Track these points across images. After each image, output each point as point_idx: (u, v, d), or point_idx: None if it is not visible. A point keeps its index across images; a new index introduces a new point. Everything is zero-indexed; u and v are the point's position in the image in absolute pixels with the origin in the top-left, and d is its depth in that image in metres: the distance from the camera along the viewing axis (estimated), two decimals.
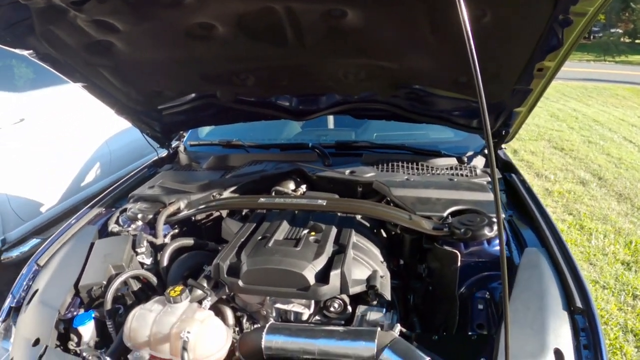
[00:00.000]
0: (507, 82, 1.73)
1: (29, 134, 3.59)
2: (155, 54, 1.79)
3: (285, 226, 1.67)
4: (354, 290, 1.43)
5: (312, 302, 1.47)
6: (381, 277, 1.50)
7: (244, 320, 1.55)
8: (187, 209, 1.90)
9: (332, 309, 1.46)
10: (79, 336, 1.47)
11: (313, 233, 1.61)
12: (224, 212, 2.04)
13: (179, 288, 1.38)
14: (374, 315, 1.43)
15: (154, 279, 1.67)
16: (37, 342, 1.40)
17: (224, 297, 1.56)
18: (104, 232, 1.94)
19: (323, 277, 1.40)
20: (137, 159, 4.58)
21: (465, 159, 2.24)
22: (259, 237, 1.59)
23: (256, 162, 2.26)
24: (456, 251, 1.56)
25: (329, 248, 1.50)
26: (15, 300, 1.66)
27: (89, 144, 4.22)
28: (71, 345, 1.47)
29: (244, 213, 2.04)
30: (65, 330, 1.50)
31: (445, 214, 1.70)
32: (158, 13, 1.50)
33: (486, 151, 2.43)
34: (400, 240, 1.79)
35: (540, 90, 1.78)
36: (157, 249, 1.80)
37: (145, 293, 1.66)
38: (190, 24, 1.53)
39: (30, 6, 1.43)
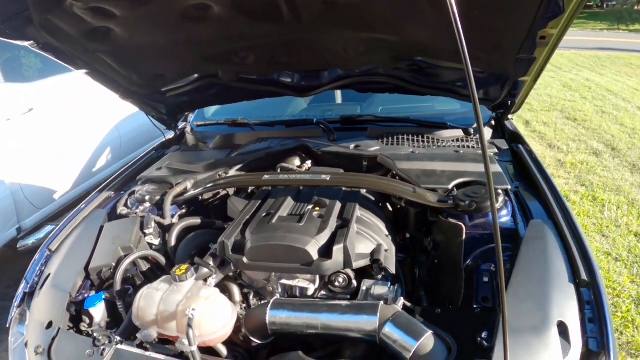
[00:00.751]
0: (510, 51, 1.69)
1: (38, 123, 3.63)
2: (154, 37, 1.79)
3: (289, 202, 1.67)
4: (358, 264, 1.44)
5: (317, 277, 1.48)
6: (385, 251, 1.50)
7: (251, 297, 1.57)
8: (194, 189, 1.92)
9: (336, 283, 1.47)
10: (91, 317, 1.51)
11: (317, 208, 1.62)
12: (231, 191, 2.05)
13: (184, 267, 1.40)
14: (378, 290, 1.44)
15: (162, 259, 1.70)
16: (50, 325, 1.44)
17: (230, 274, 1.58)
18: (113, 215, 1.96)
19: (326, 252, 1.41)
20: (147, 141, 4.60)
21: (472, 131, 2.21)
22: (264, 214, 1.60)
23: (262, 140, 2.27)
24: (461, 224, 1.55)
25: (333, 223, 1.50)
26: (29, 286, 1.70)
27: (99, 129, 4.25)
28: (83, 326, 1.51)
29: (249, 191, 2.05)
30: (77, 312, 1.54)
31: (450, 186, 1.69)
32: None
33: (493, 122, 2.41)
34: (405, 213, 1.79)
35: (544, 59, 1.73)
36: (165, 230, 1.83)
37: (155, 273, 1.69)
38: (185, 5, 1.52)
39: None
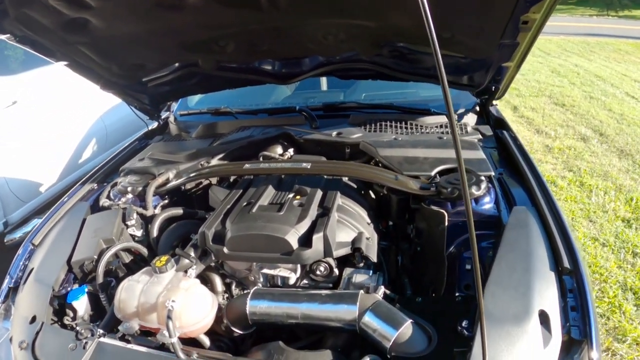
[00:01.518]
0: (493, 36, 1.68)
1: (22, 116, 3.58)
2: (131, 27, 1.76)
3: (270, 191, 1.67)
4: (338, 253, 1.44)
5: (298, 266, 1.48)
6: (367, 239, 1.50)
7: (233, 287, 1.57)
8: (176, 179, 1.91)
9: (318, 272, 1.47)
10: (74, 311, 1.50)
11: (298, 197, 1.61)
12: (213, 180, 2.04)
13: (164, 258, 1.39)
14: (359, 278, 1.44)
15: (144, 251, 1.69)
16: (33, 319, 1.43)
17: (212, 264, 1.57)
18: (95, 208, 1.95)
19: (306, 241, 1.41)
20: (133, 132, 4.52)
21: (456, 117, 2.21)
22: (244, 204, 1.59)
23: (244, 129, 2.25)
24: (443, 211, 1.55)
25: (313, 212, 1.50)
26: (12, 281, 1.68)
27: (84, 121, 4.20)
28: (67, 320, 1.49)
29: (231, 180, 2.04)
30: (60, 306, 1.53)
31: (433, 173, 1.69)
32: None
33: (478, 108, 2.40)
34: (387, 201, 1.79)
35: (527, 44, 1.73)
36: (147, 221, 1.82)
37: (137, 264, 1.68)
38: None
39: None
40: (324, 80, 2.83)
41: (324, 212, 1.51)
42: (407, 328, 1.17)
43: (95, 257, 1.58)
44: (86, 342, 1.30)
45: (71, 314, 1.51)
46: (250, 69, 2.15)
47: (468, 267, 1.49)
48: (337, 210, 1.55)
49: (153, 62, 2.09)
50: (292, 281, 1.51)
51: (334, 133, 2.06)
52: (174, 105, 2.84)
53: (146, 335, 1.38)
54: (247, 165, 1.80)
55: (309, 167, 1.71)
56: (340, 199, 1.62)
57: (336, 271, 1.48)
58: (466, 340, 1.14)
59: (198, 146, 2.17)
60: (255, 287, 1.43)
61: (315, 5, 1.56)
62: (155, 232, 1.72)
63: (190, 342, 1.35)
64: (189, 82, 2.25)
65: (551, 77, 7.84)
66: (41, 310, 1.47)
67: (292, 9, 1.56)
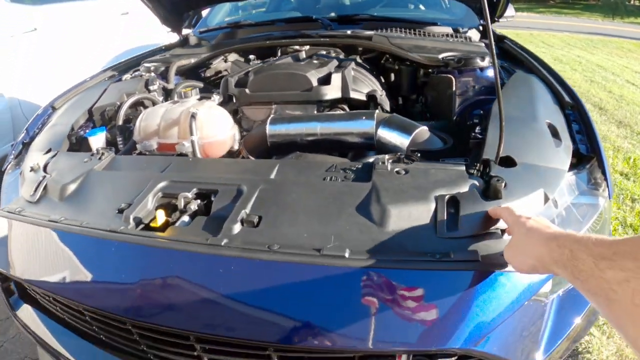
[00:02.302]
0: None
1: (41, 43, 3.64)
2: None
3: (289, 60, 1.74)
4: (354, 95, 1.50)
5: (315, 111, 1.54)
6: (380, 95, 1.57)
7: None
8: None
9: None
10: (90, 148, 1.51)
11: (316, 60, 1.69)
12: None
13: (189, 87, 1.46)
14: None
15: None
16: (48, 151, 1.44)
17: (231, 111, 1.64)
18: None
19: (325, 80, 1.48)
20: None
21: (461, 29, 2.29)
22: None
23: (263, 31, 2.33)
24: (450, 76, 1.63)
25: (332, 65, 1.57)
26: (29, 136, 1.71)
27: (101, 57, 4.26)
28: None
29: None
30: (77, 141, 1.56)
31: (440, 57, 1.76)
32: None
33: (481, 28, 2.48)
34: (399, 76, 1.86)
35: None
36: (168, 94, 1.88)
37: None
38: None
39: None
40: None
41: (342, 65, 1.58)
42: (421, 132, 1.24)
43: (118, 103, 1.64)
44: (102, 155, 1.29)
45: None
46: None
47: (475, 121, 1.56)
48: (353, 71, 1.62)
49: None
50: None
51: (348, 32, 2.13)
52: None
53: None
54: (269, 42, 1.87)
55: (328, 40, 1.78)
56: (353, 71, 1.69)
57: None
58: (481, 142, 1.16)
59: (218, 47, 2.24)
60: (273, 115, 1.48)
61: None
62: (172, 79, 1.78)
63: None
64: None
65: (553, 64, 7.92)
66: (57, 144, 1.48)
67: None
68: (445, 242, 0.84)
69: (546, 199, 0.98)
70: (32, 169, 1.32)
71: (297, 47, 2.10)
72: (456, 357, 0.85)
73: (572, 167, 1.16)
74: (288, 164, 1.10)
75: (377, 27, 2.24)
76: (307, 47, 2.11)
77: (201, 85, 1.77)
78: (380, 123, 1.29)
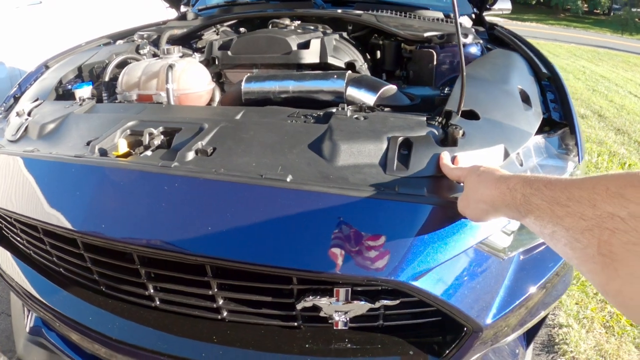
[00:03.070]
0: None
1: (46, 15, 3.70)
2: None
3: None
4: (333, 61, 1.53)
5: None
6: (360, 65, 1.60)
7: None
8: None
9: None
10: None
11: (300, 30, 1.72)
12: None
13: (174, 47, 1.49)
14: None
15: None
16: (36, 100, 1.49)
17: (214, 74, 1.67)
18: None
19: (305, 45, 1.51)
20: None
21: (452, 15, 2.31)
22: None
23: (256, 7, 2.37)
24: (432, 50, 1.66)
25: (314, 34, 1.60)
26: (20, 91, 1.77)
27: (104, 32, 4.31)
28: None
29: None
30: (64, 93, 1.61)
31: (424, 35, 1.79)
32: None
33: (474, 16, 2.51)
34: (382, 51, 1.89)
35: None
36: None
37: None
38: None
39: None
40: None
41: (325, 34, 1.61)
42: (388, 90, 1.26)
43: (107, 61, 1.68)
44: (84, 102, 1.34)
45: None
46: None
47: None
48: (336, 41, 1.65)
49: None
50: None
51: (339, 11, 2.17)
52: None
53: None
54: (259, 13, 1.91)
55: (317, 13, 1.83)
56: (336, 42, 1.72)
57: None
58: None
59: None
60: (249, 74, 1.51)
61: None
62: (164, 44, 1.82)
63: None
64: None
65: None
66: (44, 95, 1.54)
67: None
68: (393, 179, 0.86)
69: (506, 154, 0.99)
70: (17, 114, 1.39)
71: (287, 22, 2.14)
72: (398, 301, 0.85)
73: (544, 132, 1.16)
74: (254, 109, 1.13)
75: (369, 8, 2.28)
76: (298, 22, 2.15)
77: (190, 52, 1.81)
78: (350, 82, 1.31)
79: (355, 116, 1.02)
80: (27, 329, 1.40)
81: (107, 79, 1.61)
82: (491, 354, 1.10)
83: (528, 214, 0.57)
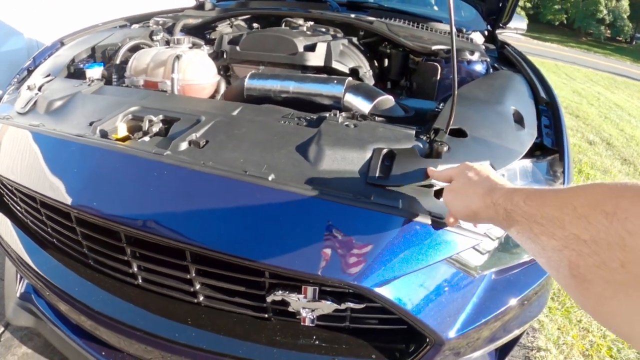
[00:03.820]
0: None
1: None
2: None
3: None
4: (337, 66, 1.57)
5: None
6: (364, 72, 1.64)
7: None
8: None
9: None
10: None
11: (310, 32, 1.76)
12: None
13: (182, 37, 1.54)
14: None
15: None
16: (47, 75, 1.55)
17: (222, 66, 1.72)
18: None
19: (311, 48, 1.55)
20: None
21: (464, 30, 2.34)
22: None
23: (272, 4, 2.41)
24: (437, 64, 1.69)
25: (323, 38, 1.64)
26: (34, 65, 1.82)
27: (121, 6, 4.35)
28: None
29: None
30: (75, 71, 1.67)
31: (432, 48, 1.82)
32: None
33: (487, 33, 2.54)
34: (389, 59, 1.92)
35: None
36: None
37: None
38: None
39: None
40: None
41: (333, 38, 1.65)
42: (384, 100, 1.30)
43: (120, 44, 1.73)
44: (92, 82, 1.41)
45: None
46: None
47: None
48: (344, 46, 1.69)
49: None
50: None
51: (352, 16, 2.20)
52: None
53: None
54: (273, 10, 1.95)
55: (328, 17, 1.86)
56: (344, 47, 1.75)
57: None
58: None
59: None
60: (253, 71, 1.55)
61: None
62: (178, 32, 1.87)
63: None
64: None
65: (571, 95, 7.94)
66: (56, 72, 1.60)
67: None
68: (371, 188, 0.89)
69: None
70: (28, 88, 1.45)
71: (301, 22, 2.18)
72: (364, 305, 0.89)
73: (534, 157, 1.18)
74: (251, 107, 1.17)
75: (382, 16, 2.31)
76: (311, 23, 2.19)
77: (202, 43, 1.86)
78: (348, 88, 1.35)
79: (346, 123, 1.06)
80: (18, 294, 1.46)
81: (118, 61, 1.67)
82: None
83: (510, 227, 0.58)
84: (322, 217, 0.81)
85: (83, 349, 1.25)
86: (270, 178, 0.85)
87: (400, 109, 1.31)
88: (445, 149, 0.99)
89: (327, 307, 0.86)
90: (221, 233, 0.82)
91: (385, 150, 0.96)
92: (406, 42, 1.75)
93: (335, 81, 1.37)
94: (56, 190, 0.97)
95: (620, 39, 22.07)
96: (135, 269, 1.02)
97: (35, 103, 1.35)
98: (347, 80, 1.38)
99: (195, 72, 1.41)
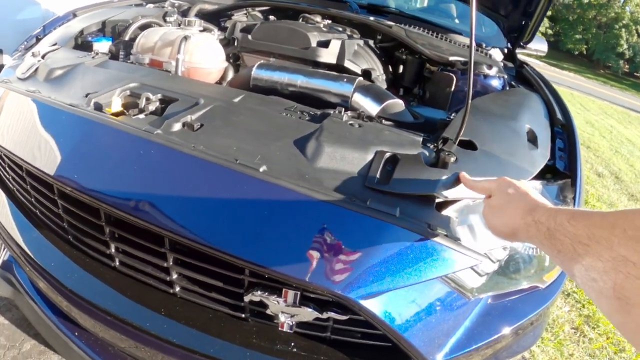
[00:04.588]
0: None
1: None
2: None
3: None
4: (349, 65, 1.52)
5: None
6: (377, 75, 1.59)
7: None
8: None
9: None
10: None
11: (325, 29, 1.71)
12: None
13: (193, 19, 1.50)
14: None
15: None
16: (54, 44, 1.54)
17: (231, 54, 1.67)
18: None
19: (325, 44, 1.50)
20: None
21: (484, 45, 2.29)
22: None
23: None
24: (452, 74, 1.64)
25: (338, 35, 1.59)
26: (43, 33, 1.79)
27: None
28: None
29: None
30: (83, 44, 1.63)
31: (450, 59, 1.77)
32: None
33: (506, 51, 2.48)
34: (405, 65, 1.87)
35: None
36: None
37: None
38: None
39: None
40: None
41: (348, 38, 1.60)
42: (394, 104, 1.25)
43: (130, 21, 1.69)
44: (97, 55, 1.38)
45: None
46: None
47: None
48: (359, 47, 1.64)
49: None
50: None
51: (371, 18, 2.15)
52: None
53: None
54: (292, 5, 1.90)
55: (348, 17, 1.81)
56: (359, 47, 1.70)
57: None
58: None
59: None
60: (262, 61, 1.50)
61: None
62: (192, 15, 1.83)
63: None
64: None
65: (584, 125, 7.85)
66: (64, 41, 1.57)
67: None
68: (369, 192, 0.84)
69: None
70: (33, 54, 1.42)
71: (318, 19, 2.14)
72: (347, 317, 0.83)
73: (544, 179, 1.13)
74: (254, 96, 1.12)
75: (402, 22, 2.26)
76: (329, 21, 2.15)
77: (213, 27, 1.81)
78: (358, 88, 1.30)
79: (351, 122, 1.01)
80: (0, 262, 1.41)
81: (127, 38, 1.63)
82: None
83: (552, 247, 0.56)
84: (312, 217, 0.76)
85: (57, 327, 1.20)
86: (261, 169, 0.80)
87: (410, 114, 1.25)
88: (453, 159, 0.93)
89: (308, 314, 0.81)
90: (202, 222, 0.77)
91: (388, 154, 0.91)
92: (423, 49, 1.70)
93: (345, 79, 1.32)
94: (41, 159, 0.93)
95: (638, 74, 21.93)
96: (113, 251, 0.97)
97: (36, 70, 1.32)
98: (357, 80, 1.33)
99: (202, 55, 1.37)
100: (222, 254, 0.75)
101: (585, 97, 11.27)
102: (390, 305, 0.80)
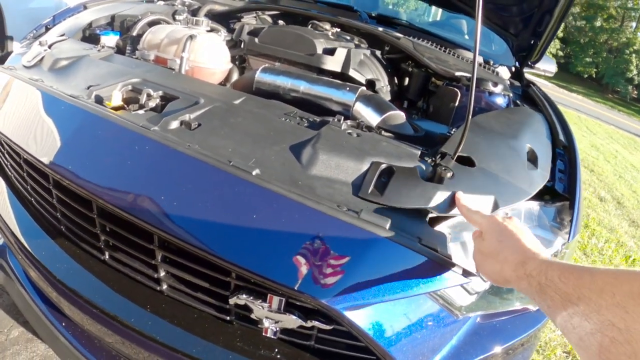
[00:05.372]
0: None
1: None
2: None
3: None
4: (354, 74, 1.53)
5: None
6: (382, 86, 1.59)
7: None
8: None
9: None
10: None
11: (333, 37, 1.72)
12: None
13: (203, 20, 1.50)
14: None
15: None
16: (62, 35, 1.54)
17: (237, 56, 1.68)
18: None
19: (330, 51, 1.50)
20: None
21: (491, 62, 2.29)
22: None
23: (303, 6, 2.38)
24: (457, 90, 1.64)
25: (345, 44, 1.60)
26: (53, 23, 1.80)
27: None
28: None
29: None
30: (90, 36, 1.64)
31: (456, 74, 1.77)
32: None
33: (514, 69, 2.48)
34: (410, 78, 1.87)
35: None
36: None
37: None
38: None
39: None
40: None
41: (355, 46, 1.60)
42: (395, 115, 1.25)
43: (139, 17, 1.70)
44: (103, 48, 1.38)
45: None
46: None
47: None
48: (365, 57, 1.64)
49: None
50: None
51: (380, 29, 2.16)
52: None
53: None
54: (301, 9, 1.91)
55: (357, 26, 1.81)
56: (365, 57, 1.71)
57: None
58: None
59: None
60: (267, 65, 1.51)
61: None
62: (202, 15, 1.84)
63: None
64: None
65: (589, 149, 7.83)
66: (72, 32, 1.58)
67: None
68: (362, 202, 0.83)
69: (495, 207, 0.94)
70: (40, 43, 1.43)
71: (327, 26, 2.14)
72: (332, 327, 0.82)
73: (542, 200, 1.12)
74: (255, 99, 1.13)
75: (411, 34, 2.27)
76: (338, 29, 2.15)
77: (221, 28, 1.82)
78: (360, 97, 1.30)
79: (349, 131, 1.01)
80: None
81: (134, 33, 1.64)
82: None
83: (542, 302, 0.57)
84: (302, 225, 0.75)
85: (45, 317, 1.19)
86: (254, 173, 0.79)
87: (410, 127, 1.25)
88: (449, 175, 0.93)
89: (292, 321, 0.80)
90: (191, 221, 0.76)
91: (384, 166, 0.91)
92: (430, 63, 1.70)
93: (348, 88, 1.32)
94: (37, 147, 0.93)
95: None
96: (103, 244, 0.96)
97: (42, 59, 1.33)
98: (360, 89, 1.33)
99: (207, 55, 1.37)
100: (209, 255, 0.75)
101: (592, 120, 11.25)
102: (375, 318, 0.79)
